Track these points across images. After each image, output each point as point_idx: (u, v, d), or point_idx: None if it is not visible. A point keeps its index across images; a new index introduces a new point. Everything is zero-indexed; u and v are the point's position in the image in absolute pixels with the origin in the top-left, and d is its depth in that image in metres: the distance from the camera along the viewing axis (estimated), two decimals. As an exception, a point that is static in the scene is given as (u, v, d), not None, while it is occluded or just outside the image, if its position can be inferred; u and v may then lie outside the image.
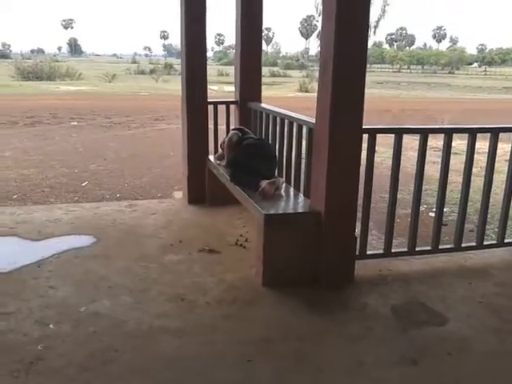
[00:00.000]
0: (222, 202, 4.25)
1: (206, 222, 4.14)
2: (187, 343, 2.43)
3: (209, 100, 4.48)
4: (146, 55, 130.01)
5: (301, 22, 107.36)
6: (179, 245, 3.64)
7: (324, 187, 2.85)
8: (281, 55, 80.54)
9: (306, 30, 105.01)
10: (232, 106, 4.68)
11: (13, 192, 5.62)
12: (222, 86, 23.96)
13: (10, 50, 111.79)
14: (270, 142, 4.02)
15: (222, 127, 4.67)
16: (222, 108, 4.65)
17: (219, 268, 3.25)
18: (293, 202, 3.36)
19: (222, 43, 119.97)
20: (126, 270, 3.21)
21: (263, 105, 4.34)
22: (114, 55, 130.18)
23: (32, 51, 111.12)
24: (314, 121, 3.07)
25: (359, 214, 3.08)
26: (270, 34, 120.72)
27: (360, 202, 3.04)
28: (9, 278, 3.06)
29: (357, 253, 3.11)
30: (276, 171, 3.75)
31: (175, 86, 26.43)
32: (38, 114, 12.89)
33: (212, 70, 29.91)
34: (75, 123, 11.73)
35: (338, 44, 2.68)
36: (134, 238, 3.78)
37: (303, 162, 3.42)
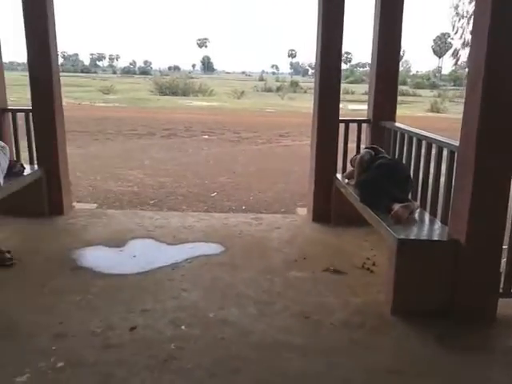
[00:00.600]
0: (348, 221, 4.17)
1: (331, 241, 4.08)
2: (311, 363, 2.40)
3: (340, 118, 4.45)
4: (273, 73, 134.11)
5: (434, 40, 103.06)
6: (303, 261, 3.63)
7: (467, 215, 2.65)
8: (411, 74, 77.94)
9: (439, 48, 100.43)
10: (364, 125, 4.59)
11: (150, 197, 6.10)
12: (346, 104, 23.76)
13: (151, 67, 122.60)
14: (404, 162, 3.86)
15: (351, 145, 4.61)
16: (352, 126, 4.60)
17: (345, 290, 3.17)
18: (429, 227, 3.17)
19: (350, 61, 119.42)
20: (251, 281, 3.28)
21: (398, 124, 4.20)
22: (243, 73, 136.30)
23: (169, 68, 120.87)
24: (457, 143, 2.88)
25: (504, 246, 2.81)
26: (401, 53, 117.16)
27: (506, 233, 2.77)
28: (147, 277, 3.30)
29: (500, 290, 2.82)
30: (410, 194, 3.59)
31: (300, 103, 26.92)
32: (174, 126, 13.88)
33: (337, 88, 29.78)
34: (206, 137, 12.44)
35: (489, 62, 2.50)
36: (260, 250, 3.86)
37: (442, 186, 3.22)
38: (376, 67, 4.37)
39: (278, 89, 42.63)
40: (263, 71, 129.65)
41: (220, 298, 3.02)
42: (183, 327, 2.67)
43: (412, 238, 2.91)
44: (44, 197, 4.44)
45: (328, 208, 4.49)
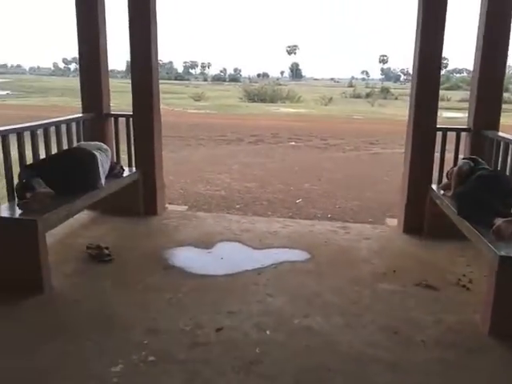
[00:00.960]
0: (443, 234, 3.96)
1: (423, 255, 3.89)
2: (400, 380, 2.30)
3: (438, 126, 4.24)
4: (363, 79, 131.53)
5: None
6: (393, 274, 3.50)
7: None
8: (513, 80, 73.01)
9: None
10: (463, 134, 4.34)
11: (237, 202, 6.22)
12: (441, 111, 22.69)
13: (240, 75, 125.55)
14: (508, 174, 3.59)
15: (448, 155, 4.37)
16: (450, 135, 4.36)
17: (437, 307, 3.01)
18: (535, 245, 2.92)
19: (446, 67, 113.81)
20: (338, 290, 3.21)
21: (502, 134, 3.91)
22: (332, 79, 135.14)
23: (258, 75, 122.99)
24: None
25: None
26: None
27: None
28: (234, 280, 3.36)
29: None
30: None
31: (392, 110, 26.17)
32: (261, 133, 14.09)
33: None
34: (293, 143, 12.47)
35: None
36: (347, 259, 3.78)
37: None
38: (479, 72, 4.11)
39: (368, 95, 41.77)
40: (352, 77, 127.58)
41: (305, 306, 2.99)
42: (268, 332, 2.67)
43: (516, 255, 2.69)
44: (140, 197, 4.69)
45: (421, 220, 4.29)
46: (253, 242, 4.08)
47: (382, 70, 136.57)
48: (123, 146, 4.82)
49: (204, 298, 3.07)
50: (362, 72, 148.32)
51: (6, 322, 2.75)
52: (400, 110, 22.10)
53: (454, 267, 3.61)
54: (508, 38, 4.00)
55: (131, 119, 4.68)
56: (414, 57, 4.22)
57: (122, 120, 4.78)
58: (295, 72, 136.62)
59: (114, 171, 4.24)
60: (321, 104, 33.02)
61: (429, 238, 4.17)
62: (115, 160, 4.64)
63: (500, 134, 3.94)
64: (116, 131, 4.79)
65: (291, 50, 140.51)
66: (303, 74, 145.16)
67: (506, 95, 40.65)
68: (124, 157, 4.87)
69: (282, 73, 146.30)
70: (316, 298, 3.09)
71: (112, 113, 4.83)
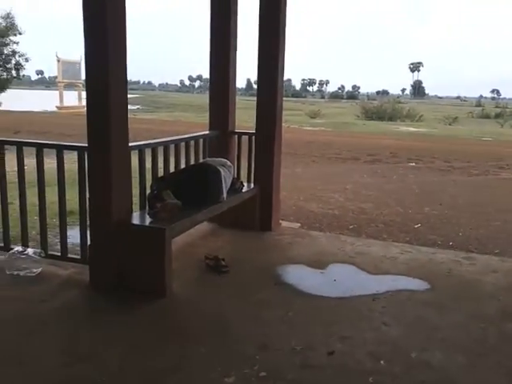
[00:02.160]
0: None
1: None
2: None
3: None
4: (493, 98, 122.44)
5: None
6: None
7: None
8: None
9: None
10: None
11: (350, 222, 6.09)
12: None
13: (359, 92, 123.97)
14: None
15: None
16: None
17: None
18: None
19: None
20: (460, 326, 2.99)
21: None
22: (458, 97, 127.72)
23: (377, 92, 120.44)
24: None
25: None
26: None
27: None
28: (347, 304, 3.29)
29: None
30: None
31: (525, 132, 23.96)
32: (378, 152, 13.70)
33: None
34: (413, 164, 11.94)
35: None
36: (471, 293, 3.51)
37: None
38: None
39: (498, 115, 38.74)
40: (481, 96, 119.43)
41: (424, 339, 2.83)
42: (382, 362, 2.57)
43: None
44: (256, 213, 4.81)
45: (559, 256, 3.85)
46: (368, 266, 3.96)
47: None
48: (244, 162, 5.01)
49: (316, 319, 3.05)
50: (493, 91, 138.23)
51: (130, 323, 2.98)
52: (536, 132, 20.13)
53: None
54: None
55: (253, 137, 4.85)
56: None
57: (244, 137, 4.97)
58: (417, 89, 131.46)
59: (235, 186, 4.41)
60: (444, 124, 31.38)
61: None
62: (236, 175, 4.83)
63: None
64: (238, 148, 4.99)
65: (414, 67, 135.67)
66: (426, 91, 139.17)
67: None
68: (243, 172, 5.05)
69: (403, 90, 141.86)
70: (436, 332, 2.91)
71: (236, 131, 5.04)
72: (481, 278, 3.79)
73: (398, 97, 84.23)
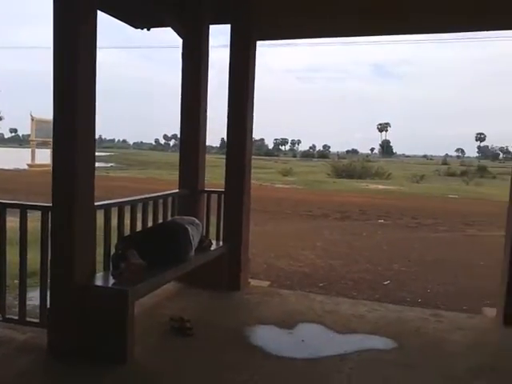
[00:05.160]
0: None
1: (527, 352, 3.50)
2: None
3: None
4: (458, 157, 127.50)
5: None
6: (490, 372, 3.16)
7: None
8: None
9: None
10: None
11: (320, 280, 6.07)
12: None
13: (329, 151, 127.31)
14: None
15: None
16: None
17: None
18: None
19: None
20: (428, 388, 2.95)
21: None
22: (424, 156, 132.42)
23: (347, 152, 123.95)
24: None
25: None
26: None
27: None
28: (315, 365, 3.22)
29: None
30: None
31: (489, 189, 24.81)
32: (348, 209, 13.92)
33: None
34: (382, 221, 12.14)
35: None
36: (439, 352, 3.49)
37: None
38: None
39: (463, 173, 40.15)
40: (447, 155, 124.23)
41: (391, 402, 2.77)
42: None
43: None
44: (224, 271, 4.76)
45: (523, 312, 3.90)
46: (336, 325, 3.92)
47: (479, 147, 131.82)
48: (213, 219, 5.00)
49: (282, 383, 2.96)
50: (457, 150, 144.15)
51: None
52: (498, 190, 20.90)
53: None
54: None
55: (223, 195, 4.89)
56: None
57: (214, 195, 5.00)
58: (386, 149, 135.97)
59: (203, 244, 4.37)
60: (412, 181, 32.21)
61: (534, 334, 3.76)
62: (204, 233, 4.81)
63: None
64: (207, 206, 5.01)
65: (382, 128, 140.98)
66: (394, 150, 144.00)
67: None
68: (213, 230, 5.03)
69: (371, 149, 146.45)
70: (403, 394, 2.86)
71: (206, 189, 5.08)
72: (448, 336, 3.79)
73: (367, 156, 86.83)
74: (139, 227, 4.14)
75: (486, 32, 4.40)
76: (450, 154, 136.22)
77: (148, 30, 5.16)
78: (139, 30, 5.18)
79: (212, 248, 4.53)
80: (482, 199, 18.37)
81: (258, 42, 4.83)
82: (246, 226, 4.93)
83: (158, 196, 4.51)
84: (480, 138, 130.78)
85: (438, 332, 3.87)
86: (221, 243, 4.80)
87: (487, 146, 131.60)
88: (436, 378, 3.06)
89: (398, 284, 6.02)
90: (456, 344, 3.63)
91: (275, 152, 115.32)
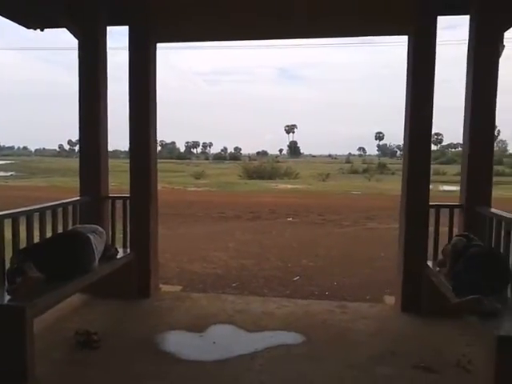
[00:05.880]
0: (441, 313, 3.86)
1: (421, 335, 3.79)
2: None
3: (431, 203, 4.28)
4: (360, 155, 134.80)
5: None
6: (391, 357, 3.38)
7: None
8: (507, 153, 75.49)
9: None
10: (456, 210, 4.38)
11: (233, 280, 6.11)
12: (437, 184, 23.01)
13: (241, 153, 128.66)
14: (502, 252, 3.57)
15: (443, 229, 4.38)
16: (443, 212, 4.40)
17: (437, 392, 2.88)
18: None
19: (440, 142, 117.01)
20: (334, 376, 3.09)
21: (494, 210, 3.94)
22: (329, 156, 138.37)
23: (258, 153, 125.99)
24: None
25: None
26: (495, 133, 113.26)
27: None
28: (226, 366, 3.23)
29: None
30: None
31: (388, 185, 26.52)
32: (259, 209, 14.17)
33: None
34: (290, 219, 12.52)
35: None
36: (344, 342, 3.66)
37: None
38: (468, 148, 4.21)
39: (365, 171, 42.57)
40: (350, 154, 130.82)
41: (300, 394, 2.86)
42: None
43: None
44: (133, 279, 4.62)
45: (418, 298, 4.22)
46: (247, 324, 3.97)
47: (379, 146, 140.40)
48: (119, 225, 4.84)
49: (194, 387, 2.94)
50: (359, 149, 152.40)
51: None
52: (396, 185, 22.34)
53: (453, 347, 3.50)
54: (494, 114, 4.13)
55: (128, 201, 4.74)
56: (404, 134, 4.36)
57: (119, 201, 4.83)
58: (293, 149, 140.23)
59: (109, 253, 4.21)
60: (318, 180, 33.55)
61: (427, 317, 4.08)
62: (110, 242, 4.64)
63: (492, 210, 3.97)
64: (112, 213, 4.83)
65: (289, 129, 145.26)
66: (301, 151, 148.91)
67: (500, 168, 41.73)
68: (120, 236, 4.87)
69: (280, 151, 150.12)
70: (311, 384, 2.97)
71: (110, 195, 4.89)
72: (352, 326, 3.99)
73: (276, 157, 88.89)
74: (37, 239, 3.89)
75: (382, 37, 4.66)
76: (352, 152, 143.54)
77: (41, 30, 4.89)
78: (32, 30, 4.89)
79: (118, 256, 4.38)
80: (381, 194, 19.60)
81: (163, 45, 4.76)
82: (155, 231, 4.83)
83: (57, 204, 4.27)
84: (379, 136, 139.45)
85: (343, 323, 4.06)
86: (128, 250, 4.66)
87: (386, 145, 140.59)
88: (341, 367, 3.20)
89: (307, 279, 6.23)
90: (359, 333, 3.83)
91: (187, 155, 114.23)
